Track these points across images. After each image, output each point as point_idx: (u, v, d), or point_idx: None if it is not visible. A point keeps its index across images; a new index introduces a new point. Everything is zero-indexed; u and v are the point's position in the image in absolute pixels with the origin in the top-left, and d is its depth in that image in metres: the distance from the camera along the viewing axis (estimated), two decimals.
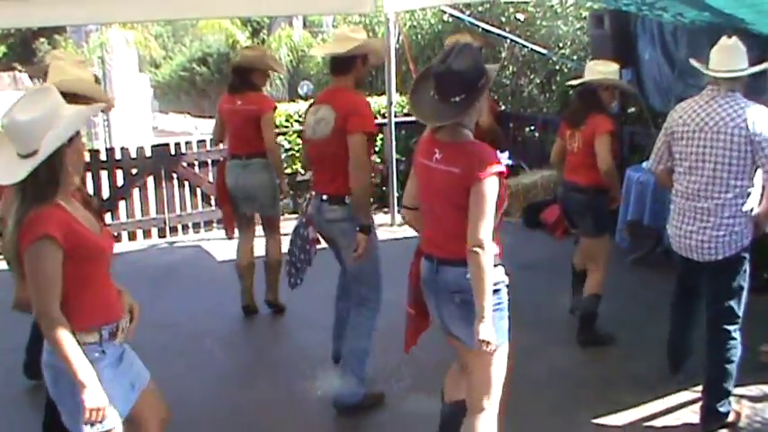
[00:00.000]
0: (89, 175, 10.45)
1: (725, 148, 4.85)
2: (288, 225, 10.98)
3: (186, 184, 10.90)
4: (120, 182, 10.68)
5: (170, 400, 5.49)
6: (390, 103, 10.64)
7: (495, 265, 3.92)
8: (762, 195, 5.07)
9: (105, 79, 23.04)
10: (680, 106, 5.24)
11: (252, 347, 7.07)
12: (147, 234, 10.89)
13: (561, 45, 11.54)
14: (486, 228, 3.80)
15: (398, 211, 10.54)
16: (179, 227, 10.93)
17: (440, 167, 4.00)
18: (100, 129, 23.83)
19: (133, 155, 10.71)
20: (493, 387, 4.21)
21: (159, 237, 10.84)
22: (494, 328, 3.85)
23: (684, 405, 5.48)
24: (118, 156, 10.71)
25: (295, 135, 11.43)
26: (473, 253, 3.78)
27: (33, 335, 5.44)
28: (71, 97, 4.08)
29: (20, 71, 31.27)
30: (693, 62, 5.28)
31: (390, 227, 10.69)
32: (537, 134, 11.47)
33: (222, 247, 9.43)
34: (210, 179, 10.44)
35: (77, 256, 3.42)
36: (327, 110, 5.41)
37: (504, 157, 10.95)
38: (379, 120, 11.37)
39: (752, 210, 5.00)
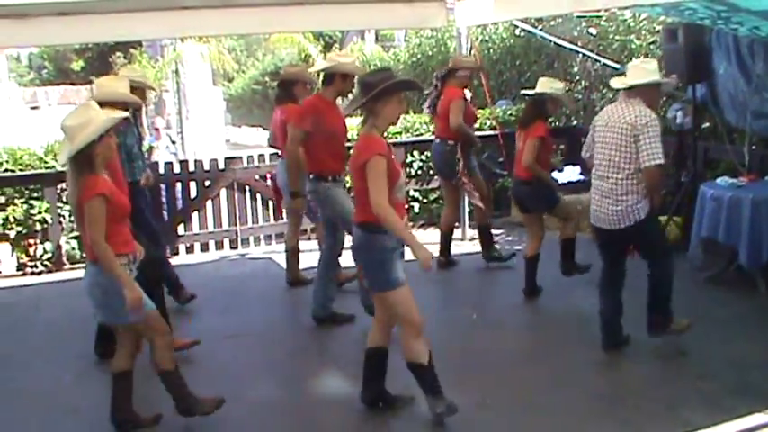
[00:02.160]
0: (163, 186, 10.65)
1: (617, 139, 6.24)
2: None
3: (258, 196, 11.04)
4: (193, 193, 10.86)
5: (241, 409, 5.55)
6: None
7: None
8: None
9: (179, 92, 23.41)
10: (603, 108, 6.73)
11: (322, 356, 7.09)
12: (219, 245, 11.04)
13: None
14: (380, 193, 5.08)
15: (470, 226, 10.55)
16: (251, 239, 11.06)
17: (353, 155, 5.35)
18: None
19: (206, 167, 10.86)
20: (405, 315, 5.35)
21: (231, 248, 10.97)
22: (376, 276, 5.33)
23: (757, 428, 5.36)
24: (191, 168, 10.88)
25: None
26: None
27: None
28: (109, 104, 5.98)
29: None
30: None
31: (461, 241, 10.65)
32: None
33: None
34: None
35: (114, 206, 5.10)
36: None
37: (576, 173, 10.90)
38: None
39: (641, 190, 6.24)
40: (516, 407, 5.81)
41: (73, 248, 10.15)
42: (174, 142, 14.56)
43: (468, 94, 9.29)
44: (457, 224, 10.72)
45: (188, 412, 5.50)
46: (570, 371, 6.39)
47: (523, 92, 8.86)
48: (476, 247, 9.57)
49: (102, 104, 6.13)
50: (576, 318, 7.46)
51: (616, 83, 6.57)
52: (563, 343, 6.63)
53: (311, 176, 7.38)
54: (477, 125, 10.06)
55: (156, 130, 14.60)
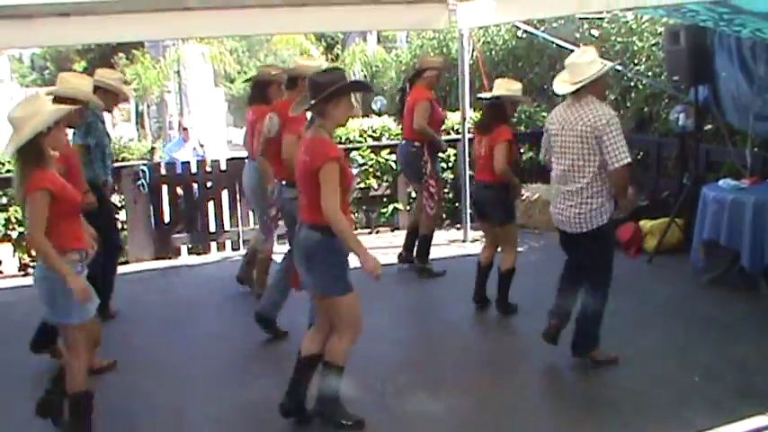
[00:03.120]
0: (165, 187, 10.66)
1: (577, 142, 5.97)
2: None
3: None
4: (195, 195, 10.86)
5: (251, 412, 5.53)
6: (464, 119, 10.62)
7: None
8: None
9: (181, 93, 23.40)
10: (553, 111, 6.40)
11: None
12: (220, 247, 11.05)
13: (636, 61, 11.43)
14: (332, 200, 4.97)
15: (471, 227, 10.55)
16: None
17: (303, 157, 5.19)
18: None
19: (208, 168, 10.87)
20: (351, 321, 5.32)
21: (233, 249, 10.99)
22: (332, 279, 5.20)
23: (760, 431, 5.36)
24: (194, 169, 10.89)
25: (369, 150, 11.51)
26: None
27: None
28: (70, 100, 6.25)
29: None
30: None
31: (463, 242, 10.67)
32: None
33: None
34: None
35: (61, 201, 4.95)
36: (276, 116, 7.17)
37: None
38: (453, 135, 11.42)
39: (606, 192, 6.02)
40: (515, 409, 5.81)
41: None
42: (202, 145, 14.32)
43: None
44: (459, 225, 10.77)
45: None
46: (570, 373, 6.40)
47: (479, 96, 8.65)
48: (476, 248, 9.55)
49: (62, 100, 6.21)
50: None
51: (560, 87, 6.19)
52: (562, 344, 6.59)
53: (284, 183, 7.02)
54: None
55: (185, 130, 14.42)
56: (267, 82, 8.15)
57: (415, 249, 9.25)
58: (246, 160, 8.56)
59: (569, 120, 6.05)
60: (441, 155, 9.84)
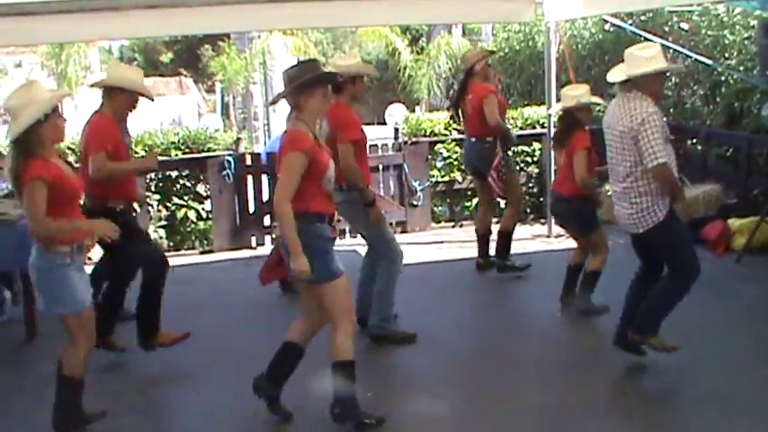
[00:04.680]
0: (249, 177, 10.79)
1: (619, 141, 5.87)
2: (442, 233, 11.19)
3: None
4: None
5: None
6: (550, 114, 10.54)
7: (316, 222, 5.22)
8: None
9: (266, 84, 23.59)
10: (608, 107, 6.20)
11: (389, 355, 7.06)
12: None
13: (727, 55, 11.21)
14: (284, 190, 5.05)
15: (555, 222, 10.46)
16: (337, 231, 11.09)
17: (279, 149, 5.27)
18: (260, 133, 24.42)
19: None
20: (341, 307, 5.28)
21: None
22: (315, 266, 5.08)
23: None
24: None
25: (453, 143, 11.49)
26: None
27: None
28: (118, 90, 6.48)
29: (185, 76, 32.41)
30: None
31: (547, 237, 10.60)
32: (699, 147, 11.12)
33: None
34: None
35: (57, 191, 4.93)
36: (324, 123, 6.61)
37: None
38: (538, 129, 11.35)
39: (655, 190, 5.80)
40: (595, 407, 5.76)
41: None
42: None
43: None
44: (543, 220, 10.66)
45: (59, 425, 5.28)
46: (652, 372, 6.29)
47: (556, 111, 8.33)
48: (561, 243, 9.47)
49: (110, 90, 6.54)
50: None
51: (613, 75, 6.20)
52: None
53: (340, 186, 6.57)
54: None
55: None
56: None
57: (495, 246, 9.06)
58: None
59: (613, 117, 5.96)
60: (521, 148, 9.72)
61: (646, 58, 5.81)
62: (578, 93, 7.51)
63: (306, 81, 5.16)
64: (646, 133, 5.63)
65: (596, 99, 7.77)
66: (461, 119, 9.22)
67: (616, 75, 6.14)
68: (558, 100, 8.23)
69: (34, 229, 4.96)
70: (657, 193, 5.80)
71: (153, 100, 7.01)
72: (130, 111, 6.80)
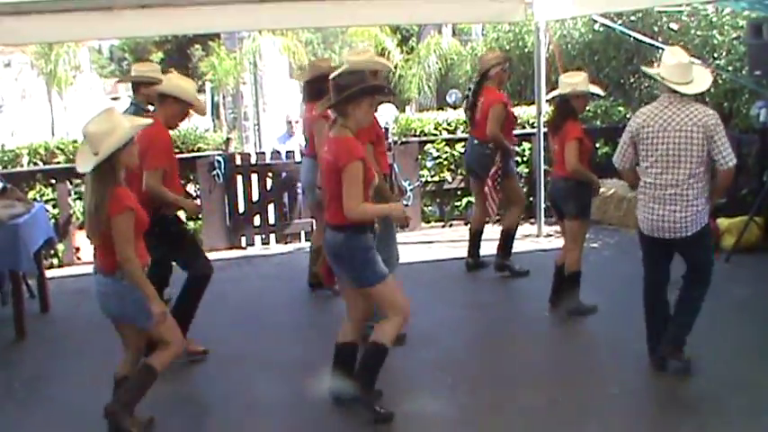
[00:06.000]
0: (239, 177, 10.79)
1: (686, 142, 5.72)
2: (432, 233, 11.20)
3: None
4: (269, 185, 10.97)
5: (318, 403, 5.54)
6: (540, 113, 10.55)
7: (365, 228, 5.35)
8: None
9: (256, 84, 23.60)
10: (641, 112, 6.07)
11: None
12: (294, 238, 11.15)
13: (716, 55, 11.24)
14: (356, 199, 5.18)
15: (545, 222, 10.48)
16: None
17: (327, 156, 5.40)
18: (251, 133, 24.41)
19: (284, 159, 10.97)
20: (394, 303, 5.45)
21: (306, 240, 11.02)
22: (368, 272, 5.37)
23: None
24: (268, 160, 10.99)
25: (443, 143, 11.48)
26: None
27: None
28: (172, 98, 6.30)
29: None
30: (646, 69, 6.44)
31: (537, 237, 10.61)
32: None
33: None
34: None
35: (136, 222, 5.01)
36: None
37: None
38: (528, 129, 11.35)
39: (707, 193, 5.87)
40: (587, 408, 5.77)
41: None
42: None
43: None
44: (533, 220, 10.67)
45: (115, 415, 5.18)
46: (643, 374, 6.30)
47: (547, 99, 8.52)
48: (550, 243, 9.48)
49: (164, 97, 6.39)
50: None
51: (687, 89, 5.79)
52: (634, 345, 6.49)
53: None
54: None
55: (289, 123, 13.22)
56: (324, 77, 6.70)
57: (497, 244, 8.98)
58: (303, 157, 8.58)
59: (674, 119, 5.77)
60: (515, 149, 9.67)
61: (703, 72, 6.06)
62: (575, 80, 7.45)
63: (355, 92, 5.28)
64: (721, 133, 5.71)
65: (595, 88, 7.72)
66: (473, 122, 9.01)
67: (683, 86, 5.82)
68: (548, 101, 8.19)
69: (128, 263, 4.97)
70: (706, 195, 5.88)
71: (204, 114, 7.18)
72: (180, 121, 6.68)
